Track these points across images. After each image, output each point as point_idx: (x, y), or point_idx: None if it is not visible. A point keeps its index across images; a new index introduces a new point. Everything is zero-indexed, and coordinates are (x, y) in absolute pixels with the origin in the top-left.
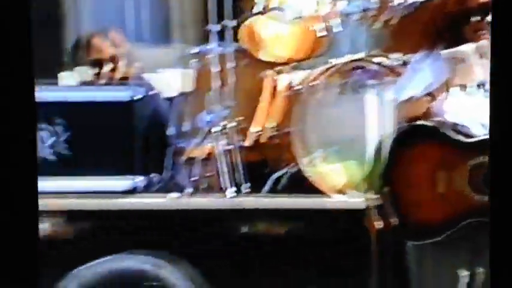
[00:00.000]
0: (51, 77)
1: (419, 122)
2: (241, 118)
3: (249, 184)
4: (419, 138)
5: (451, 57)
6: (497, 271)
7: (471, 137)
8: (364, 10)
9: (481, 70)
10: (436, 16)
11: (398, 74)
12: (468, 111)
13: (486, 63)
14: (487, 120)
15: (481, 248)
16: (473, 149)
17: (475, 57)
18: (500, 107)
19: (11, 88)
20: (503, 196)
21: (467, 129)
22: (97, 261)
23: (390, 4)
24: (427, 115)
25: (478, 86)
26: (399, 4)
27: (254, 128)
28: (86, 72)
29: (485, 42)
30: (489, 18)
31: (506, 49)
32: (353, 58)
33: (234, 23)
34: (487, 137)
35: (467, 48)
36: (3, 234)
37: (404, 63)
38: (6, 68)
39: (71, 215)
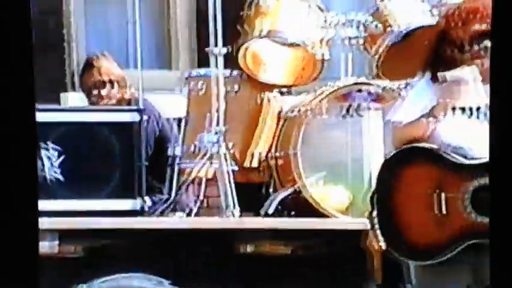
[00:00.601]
0: (52, 99)
1: (418, 144)
2: (243, 140)
3: (238, 208)
4: (419, 160)
5: (451, 79)
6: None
7: (472, 158)
8: (365, 34)
9: (478, 93)
10: (435, 41)
11: (399, 97)
12: (468, 134)
13: (481, 86)
14: (487, 143)
15: (482, 270)
16: (476, 171)
17: (477, 80)
18: (500, 112)
19: (12, 110)
20: (504, 216)
21: (467, 151)
22: (102, 279)
23: (390, 29)
24: (427, 138)
25: (477, 109)
26: (399, 29)
27: (257, 150)
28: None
29: (478, 67)
30: (487, 43)
31: (506, 49)
32: (354, 81)
33: (234, 46)
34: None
35: (466, 71)
36: (3, 234)
37: (405, 86)
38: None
39: (76, 234)
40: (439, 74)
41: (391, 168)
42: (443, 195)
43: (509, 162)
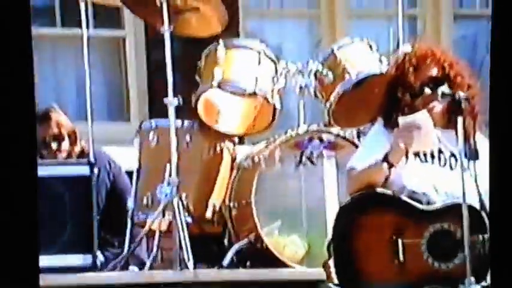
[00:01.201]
0: None
1: (374, 190)
2: (197, 190)
3: (192, 261)
4: (375, 206)
5: (403, 125)
6: None
7: (430, 203)
8: (316, 83)
9: (431, 138)
10: (386, 89)
11: (355, 144)
12: (426, 179)
13: (432, 131)
14: (445, 187)
15: None
16: (433, 216)
17: (430, 125)
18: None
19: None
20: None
21: (426, 196)
22: None
23: (348, 76)
24: (383, 183)
25: (431, 154)
26: (350, 78)
27: (211, 200)
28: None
29: (430, 111)
30: (442, 89)
31: (506, 49)
32: (309, 129)
33: (193, 96)
34: (446, 204)
35: (422, 115)
36: (3, 234)
37: (357, 134)
38: None
39: None
40: (399, 120)
41: (348, 216)
42: (400, 241)
43: (509, 167)
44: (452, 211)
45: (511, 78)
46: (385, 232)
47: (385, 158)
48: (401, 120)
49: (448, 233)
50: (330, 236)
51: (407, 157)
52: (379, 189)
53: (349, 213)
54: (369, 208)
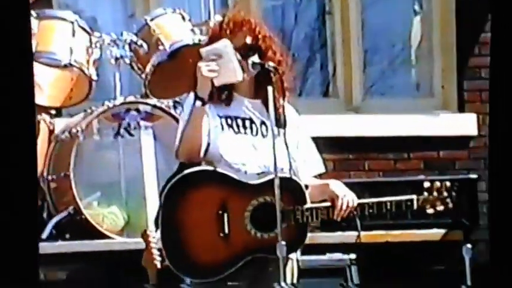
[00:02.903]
0: None
1: (198, 168)
2: None
3: None
4: (200, 182)
5: (208, 53)
6: None
7: (246, 173)
8: (131, 54)
9: (235, 69)
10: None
11: (171, 115)
12: (242, 150)
13: (237, 64)
14: (260, 157)
15: (266, 282)
16: (255, 190)
17: (232, 54)
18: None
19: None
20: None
21: (244, 166)
22: None
23: (163, 47)
24: (205, 155)
25: (246, 125)
26: (168, 48)
27: None
28: None
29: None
30: (252, 59)
31: (506, 49)
32: (126, 101)
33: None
34: (267, 178)
35: (223, 43)
36: (3, 234)
37: (173, 104)
38: None
39: None
40: (201, 50)
41: (176, 191)
42: (225, 215)
43: (508, 163)
44: (273, 184)
45: (511, 78)
46: (211, 206)
47: (196, 96)
48: (203, 49)
49: (270, 205)
50: (157, 208)
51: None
52: (206, 167)
53: (176, 188)
54: (195, 183)
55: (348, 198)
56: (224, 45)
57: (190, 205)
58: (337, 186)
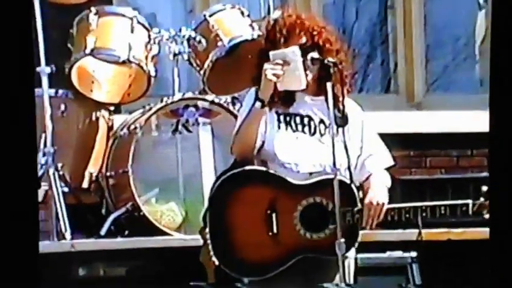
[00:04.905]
0: None
1: (249, 167)
2: (74, 160)
3: (70, 231)
4: (250, 181)
5: (276, 57)
6: None
7: (299, 173)
8: (189, 50)
9: (300, 77)
10: (259, 55)
11: (230, 111)
12: (297, 149)
13: (302, 71)
14: (316, 159)
15: (312, 281)
16: (304, 190)
17: (299, 62)
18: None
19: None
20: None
21: (297, 166)
22: None
23: (222, 43)
24: (259, 152)
25: (305, 122)
26: (223, 44)
27: (88, 170)
28: None
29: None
30: (311, 55)
31: (506, 49)
32: (184, 97)
33: (66, 65)
34: (317, 179)
35: (292, 50)
36: (3, 234)
37: (234, 101)
38: None
39: None
40: (271, 53)
41: (225, 189)
42: (274, 215)
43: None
44: (323, 185)
45: (511, 78)
46: (260, 205)
47: (257, 96)
48: (271, 53)
49: (320, 206)
50: (206, 205)
51: (285, 123)
52: (256, 167)
53: (226, 187)
54: (245, 182)
55: (374, 209)
56: (292, 51)
57: (239, 204)
58: (372, 191)
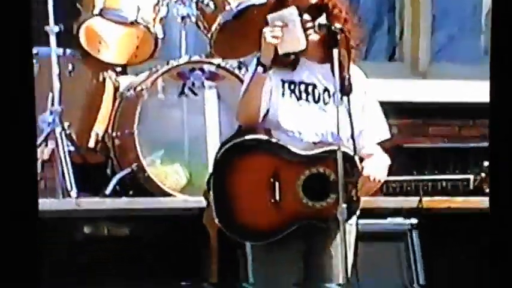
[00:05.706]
0: None
1: (256, 136)
2: (80, 120)
3: (75, 189)
4: (253, 150)
5: (274, 19)
6: None
7: (303, 141)
8: (197, 12)
9: (299, 37)
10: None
11: (236, 75)
12: (301, 117)
13: (301, 32)
14: (319, 128)
15: (312, 246)
16: (308, 160)
17: (298, 22)
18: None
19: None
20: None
21: (300, 135)
22: None
23: (229, 7)
24: (264, 120)
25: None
26: (235, 7)
27: (94, 130)
28: None
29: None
30: (319, 20)
31: (506, 49)
32: (191, 60)
33: (75, 24)
34: (321, 150)
35: (290, 11)
36: (3, 234)
37: (241, 65)
38: None
39: None
40: (268, 16)
41: (229, 157)
42: (277, 183)
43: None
44: (327, 156)
45: (511, 78)
46: (263, 174)
47: (258, 61)
48: (269, 15)
49: (323, 176)
50: (210, 170)
51: (285, 90)
52: (260, 136)
53: (229, 154)
54: (248, 151)
55: (368, 185)
56: (290, 12)
57: (242, 171)
58: (368, 166)
